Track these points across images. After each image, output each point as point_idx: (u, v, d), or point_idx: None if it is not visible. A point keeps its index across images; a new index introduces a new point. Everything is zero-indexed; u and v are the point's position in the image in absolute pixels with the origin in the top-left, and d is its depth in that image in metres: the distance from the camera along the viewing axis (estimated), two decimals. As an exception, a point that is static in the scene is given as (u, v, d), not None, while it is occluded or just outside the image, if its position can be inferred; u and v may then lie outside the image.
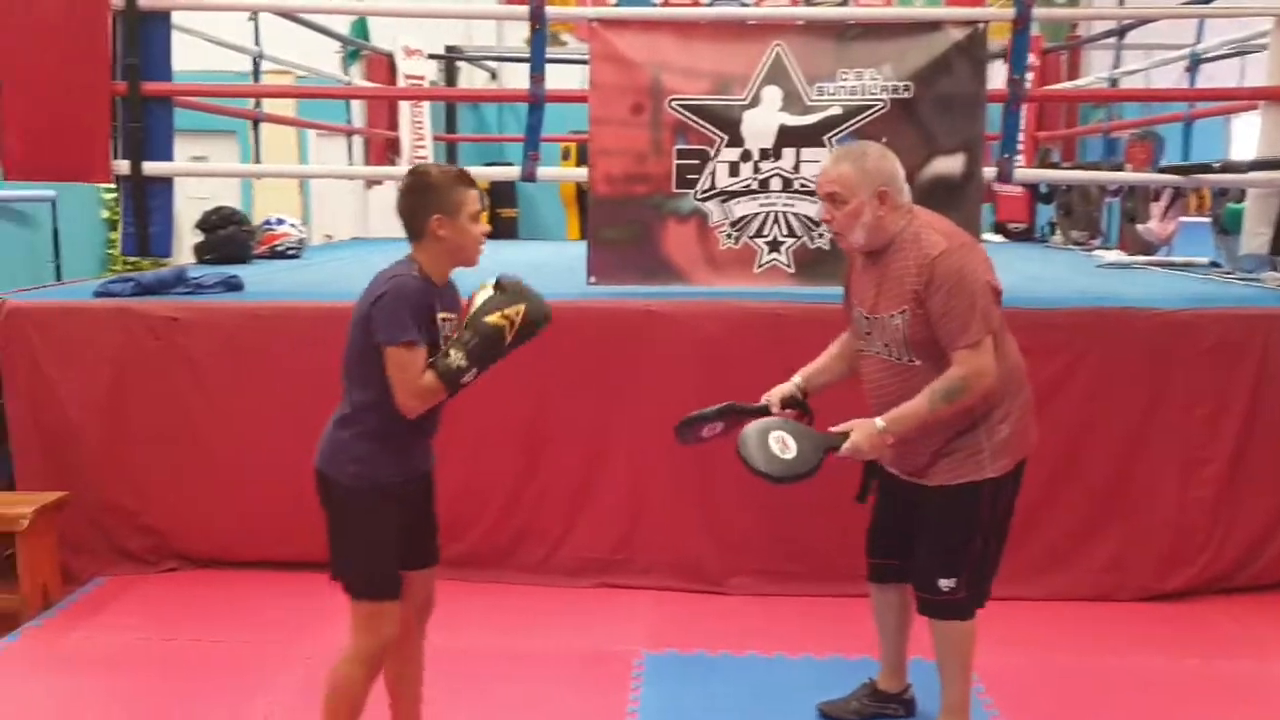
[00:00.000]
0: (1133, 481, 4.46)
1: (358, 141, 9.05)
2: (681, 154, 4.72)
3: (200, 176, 9.80)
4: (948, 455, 3.07)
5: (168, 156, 4.99)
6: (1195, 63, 7.51)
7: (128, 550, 4.70)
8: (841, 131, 4.65)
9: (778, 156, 4.70)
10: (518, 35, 5.12)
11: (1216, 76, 7.96)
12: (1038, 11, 4.94)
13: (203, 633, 4.16)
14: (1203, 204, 7.19)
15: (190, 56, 6.68)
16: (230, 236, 6.70)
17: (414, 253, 2.85)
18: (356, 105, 9.20)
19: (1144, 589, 4.44)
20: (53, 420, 4.64)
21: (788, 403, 3.26)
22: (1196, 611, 4.36)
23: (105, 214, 10.39)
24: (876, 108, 4.64)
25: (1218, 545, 4.46)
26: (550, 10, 4.92)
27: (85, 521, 4.63)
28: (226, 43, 7.10)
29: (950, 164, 4.67)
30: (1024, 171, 7.22)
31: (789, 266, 4.75)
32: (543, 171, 5.02)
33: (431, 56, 10.32)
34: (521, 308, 2.78)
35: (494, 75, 13.12)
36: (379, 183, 9.63)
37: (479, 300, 2.80)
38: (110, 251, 10.44)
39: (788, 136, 4.68)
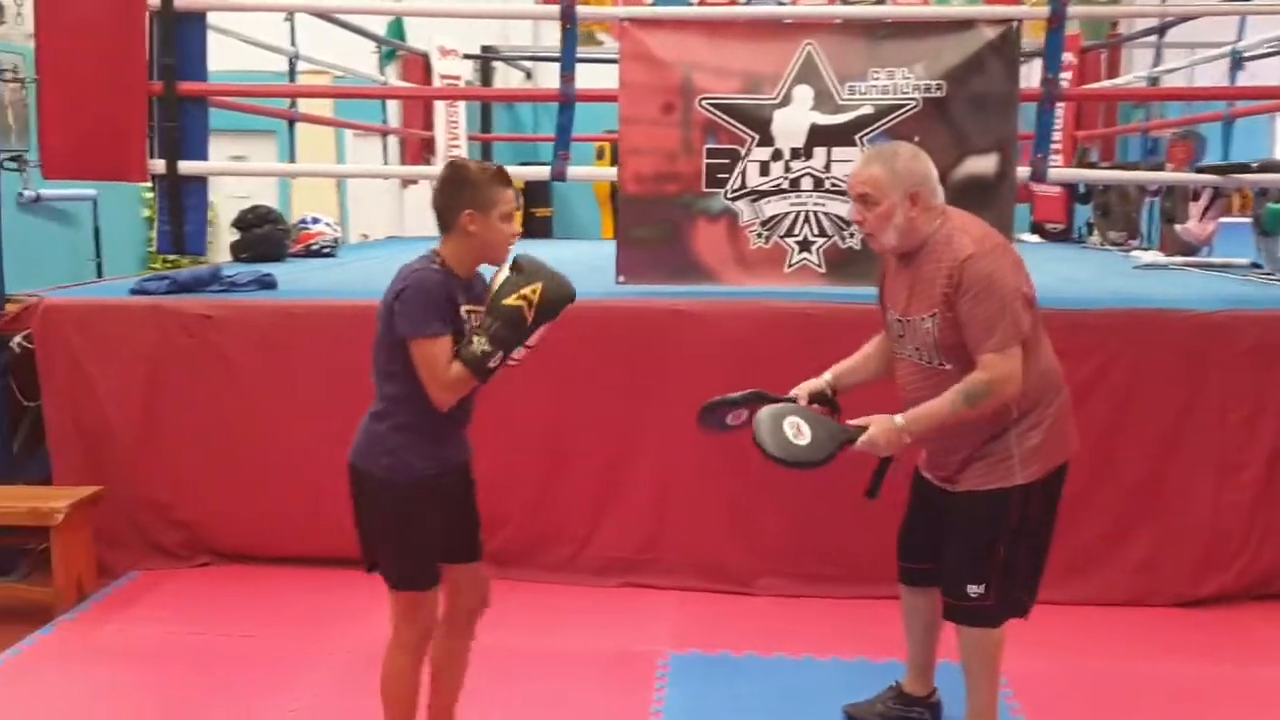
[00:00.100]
0: (1167, 485, 4.40)
1: (393, 141, 9.10)
2: (712, 153, 4.71)
3: (236, 176, 9.89)
4: (978, 460, 3.04)
5: (203, 156, 5.04)
6: (1237, 60, 7.40)
7: (161, 545, 4.76)
8: (873, 131, 4.62)
9: (809, 156, 4.68)
10: (553, 35, 5.14)
11: (1260, 74, 7.84)
12: (1073, 9, 4.89)
13: (234, 627, 4.20)
14: (1245, 204, 7.10)
15: (229, 57, 6.75)
16: (266, 235, 6.76)
17: (440, 245, 2.86)
18: (392, 105, 9.25)
19: (1178, 594, 4.39)
20: (89, 417, 4.71)
21: (816, 398, 3.22)
22: (1231, 617, 4.30)
23: (146, 213, 10.50)
24: (908, 107, 4.61)
25: (1254, 550, 4.39)
26: (581, 10, 4.93)
27: (120, 516, 4.69)
28: (263, 43, 7.17)
29: (983, 164, 4.63)
30: (1058, 171, 7.17)
31: (820, 266, 4.73)
32: (573, 171, 5.03)
33: (466, 56, 10.35)
34: (539, 286, 2.77)
35: (529, 75, 13.14)
36: (414, 182, 9.69)
37: (496, 284, 2.80)
38: (150, 250, 10.55)
39: (819, 136, 4.66)
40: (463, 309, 2.82)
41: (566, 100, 4.87)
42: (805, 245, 4.72)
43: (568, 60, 4.85)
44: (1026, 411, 3.00)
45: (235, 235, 6.94)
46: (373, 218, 11.34)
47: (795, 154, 4.67)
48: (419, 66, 9.36)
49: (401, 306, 2.75)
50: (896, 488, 4.33)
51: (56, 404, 4.70)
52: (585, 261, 5.62)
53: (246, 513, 4.73)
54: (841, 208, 4.66)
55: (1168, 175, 6.35)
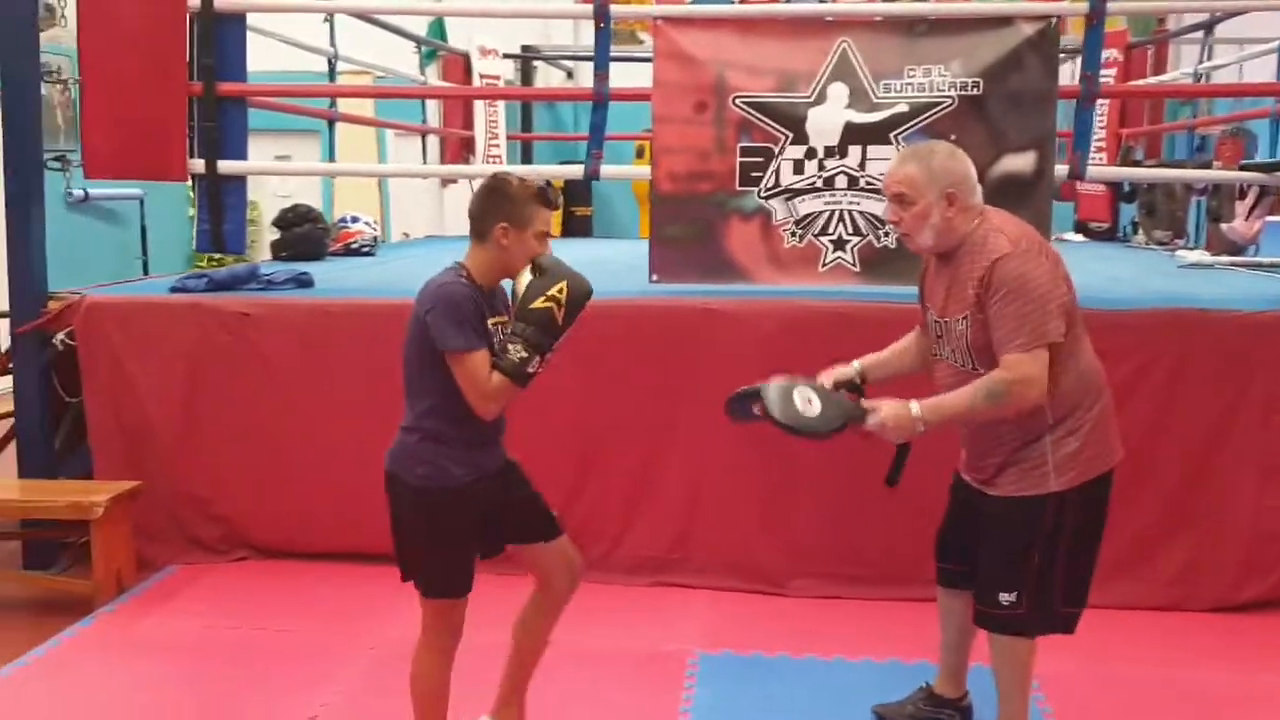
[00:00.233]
0: (1208, 488, 4.33)
1: (433, 141, 9.15)
2: (745, 151, 4.69)
3: (274, 175, 9.98)
4: (1013, 466, 2.99)
5: (242, 155, 5.10)
6: (1288, 56, 7.28)
7: (200, 539, 4.82)
8: (908, 129, 4.58)
9: (843, 154, 4.65)
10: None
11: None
12: (1113, 5, 4.82)
13: (269, 622, 4.25)
14: (1293, 202, 6.97)
15: (272, 57, 6.83)
16: (306, 234, 6.82)
17: (468, 254, 2.88)
18: (432, 105, 9.30)
19: (1217, 599, 4.32)
20: (130, 413, 4.77)
21: (842, 385, 3.18)
22: (1271, 624, 4.22)
23: (191, 212, 10.62)
24: (945, 105, 4.57)
25: (1296, 555, 4.31)
26: (616, 9, 4.93)
27: (160, 511, 4.75)
28: (302, 44, 7.23)
29: (1020, 162, 4.58)
30: (1097, 169, 7.07)
31: (854, 265, 4.70)
32: (607, 169, 5.04)
33: (506, 56, 10.39)
34: (564, 284, 2.78)
35: (570, 74, 13.18)
36: (453, 182, 9.76)
37: (520, 288, 2.81)
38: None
39: (854, 134, 4.63)
40: (489, 321, 2.84)
41: (600, 99, 4.88)
42: (839, 244, 4.70)
43: (602, 59, 4.86)
44: (1063, 417, 2.94)
45: (276, 234, 7.01)
46: (414, 217, 11.43)
47: (829, 152, 4.64)
48: (459, 66, 9.41)
49: (434, 322, 2.77)
50: (933, 489, 4.32)
51: (98, 400, 4.77)
52: (622, 260, 5.64)
53: (283, 508, 4.78)
54: (876, 206, 4.63)
55: (1210, 173, 6.25)
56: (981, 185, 3.04)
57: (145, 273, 8.74)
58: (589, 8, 4.97)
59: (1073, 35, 6.11)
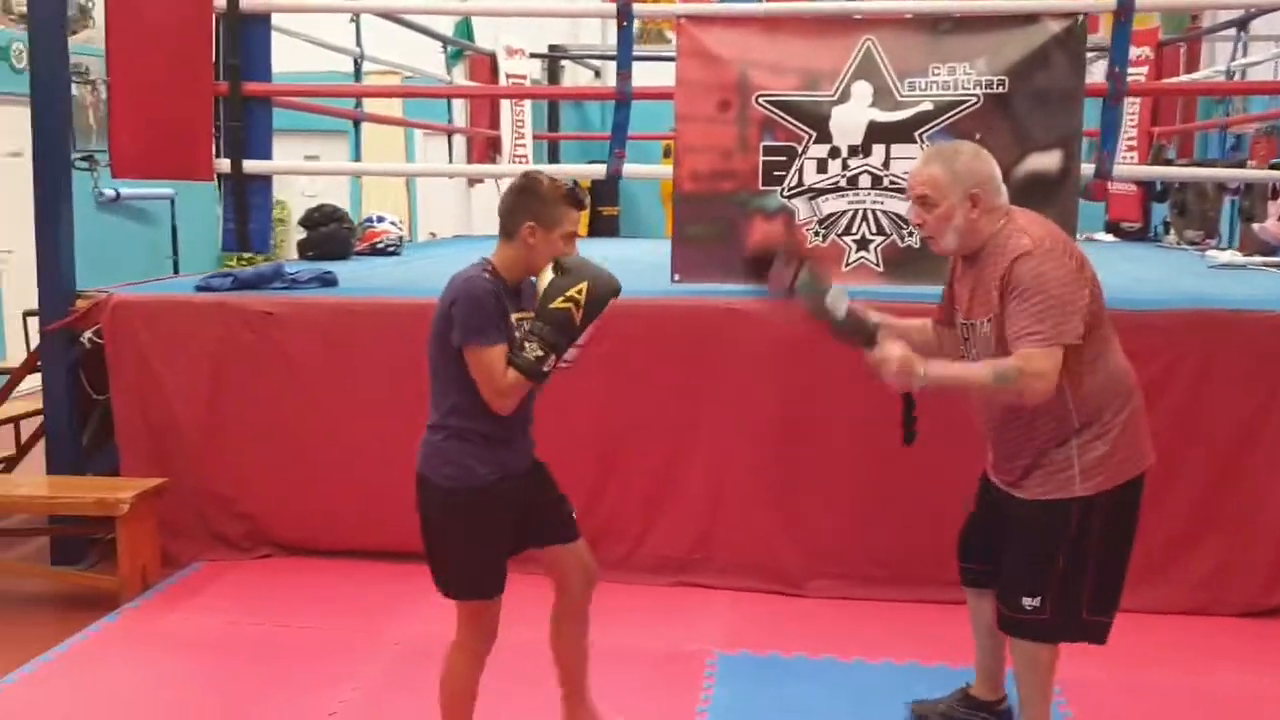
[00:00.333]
0: (1237, 490, 4.27)
1: (459, 140, 9.18)
2: (768, 150, 4.67)
3: (299, 175, 10.04)
4: (1038, 469, 2.95)
5: (267, 155, 5.14)
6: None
7: (224, 536, 4.86)
8: (933, 127, 4.55)
9: (867, 153, 4.62)
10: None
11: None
12: (1141, 1, 4.77)
13: (292, 618, 4.28)
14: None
15: (302, 58, 6.87)
16: (332, 234, 6.85)
17: (495, 251, 2.89)
18: (459, 105, 9.32)
19: (1246, 604, 4.26)
20: (156, 411, 4.81)
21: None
22: (1302, 629, 4.17)
23: (220, 211, 10.72)
24: (969, 103, 4.53)
25: (1328, 558, 4.25)
26: (639, 7, 4.92)
27: (185, 508, 4.79)
28: (328, 44, 7.27)
29: (1046, 160, 4.53)
30: (1127, 168, 7.00)
31: (877, 265, 4.67)
32: (629, 169, 5.03)
33: (533, 56, 10.41)
34: (584, 285, 2.78)
35: (598, 74, 13.19)
36: (480, 181, 9.78)
37: (542, 286, 2.82)
38: (227, 247, 10.78)
39: (877, 133, 4.60)
40: (512, 316, 2.85)
41: (623, 98, 4.87)
42: (863, 244, 4.67)
43: (624, 58, 4.86)
44: (1089, 420, 2.90)
45: (303, 234, 7.05)
46: (441, 217, 11.46)
47: (853, 151, 4.61)
48: (486, 66, 9.43)
49: (456, 316, 2.78)
50: (953, 491, 4.28)
51: (124, 398, 4.82)
52: (646, 260, 5.63)
53: (307, 506, 4.80)
54: (900, 206, 4.59)
55: (1241, 172, 6.17)
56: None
57: (176, 272, 8.81)
58: (609, 6, 4.96)
59: (1104, 35, 6.05)
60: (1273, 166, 5.76)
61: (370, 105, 8.04)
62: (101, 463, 4.94)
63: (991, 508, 3.18)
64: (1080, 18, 4.54)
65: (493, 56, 9.31)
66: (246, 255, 7.87)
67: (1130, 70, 8.06)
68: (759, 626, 4.19)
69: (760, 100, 4.65)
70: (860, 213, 4.66)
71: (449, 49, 9.05)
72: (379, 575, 4.60)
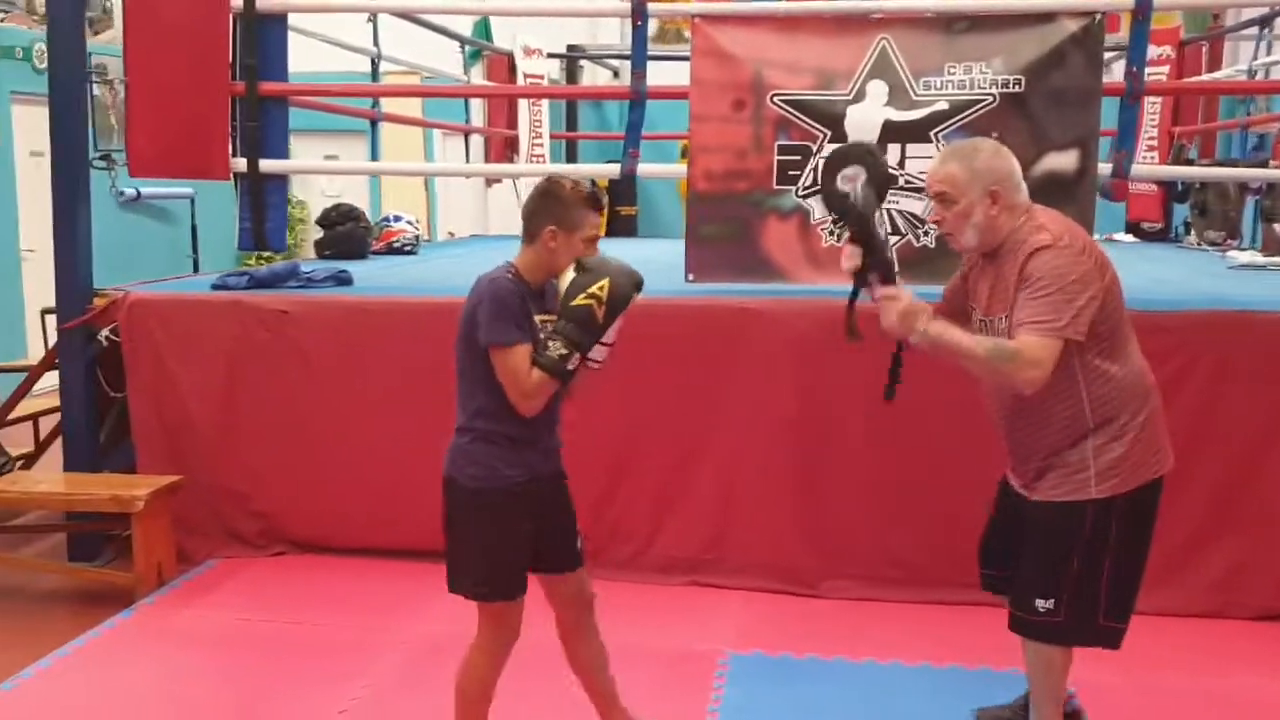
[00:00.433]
0: (1253, 492, 4.24)
1: (476, 140, 9.19)
2: (783, 150, 4.66)
3: (315, 174, 10.07)
4: (1053, 470, 2.94)
5: (283, 154, 5.16)
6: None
7: (239, 534, 4.88)
8: (948, 127, 4.53)
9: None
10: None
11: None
12: (1159, 0, 4.73)
13: (305, 615, 4.29)
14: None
15: (323, 58, 6.90)
16: (349, 233, 6.88)
17: (518, 254, 2.90)
18: (477, 105, 9.33)
19: (1262, 607, 4.23)
20: (172, 408, 4.84)
21: None
22: (1319, 632, 4.13)
23: (240, 210, 10.78)
24: (985, 102, 4.51)
25: (1346, 562, 4.21)
26: (657, 7, 4.92)
27: (201, 505, 4.82)
28: (345, 44, 7.29)
29: (1063, 160, 4.51)
30: (1145, 168, 6.94)
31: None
32: (643, 168, 5.03)
33: (551, 56, 10.41)
34: (605, 282, 2.79)
35: (616, 74, 13.19)
36: (498, 181, 9.79)
37: (564, 286, 2.83)
38: (246, 245, 10.84)
39: (893, 132, 4.58)
40: (536, 318, 2.86)
41: (637, 97, 4.87)
42: (878, 243, 4.64)
43: (639, 58, 4.86)
44: (1105, 420, 2.88)
45: (320, 233, 7.09)
46: (460, 216, 11.49)
47: (868, 151, 4.59)
48: (503, 66, 9.44)
49: (481, 317, 2.80)
50: (966, 493, 4.27)
51: (141, 396, 4.85)
52: (663, 260, 5.62)
53: (321, 504, 4.82)
54: (916, 205, 4.58)
55: (1262, 172, 6.12)
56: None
57: (195, 271, 8.87)
58: (623, 5, 4.96)
59: (1125, 35, 6.00)
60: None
61: (392, 106, 8.06)
62: (118, 460, 4.97)
63: (1011, 512, 3.15)
64: (1098, 16, 4.51)
65: (510, 56, 9.32)
66: (266, 254, 7.93)
67: (1152, 69, 8.05)
68: (771, 627, 4.18)
69: (775, 99, 4.64)
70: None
71: (467, 49, 9.06)
72: (392, 574, 4.62)
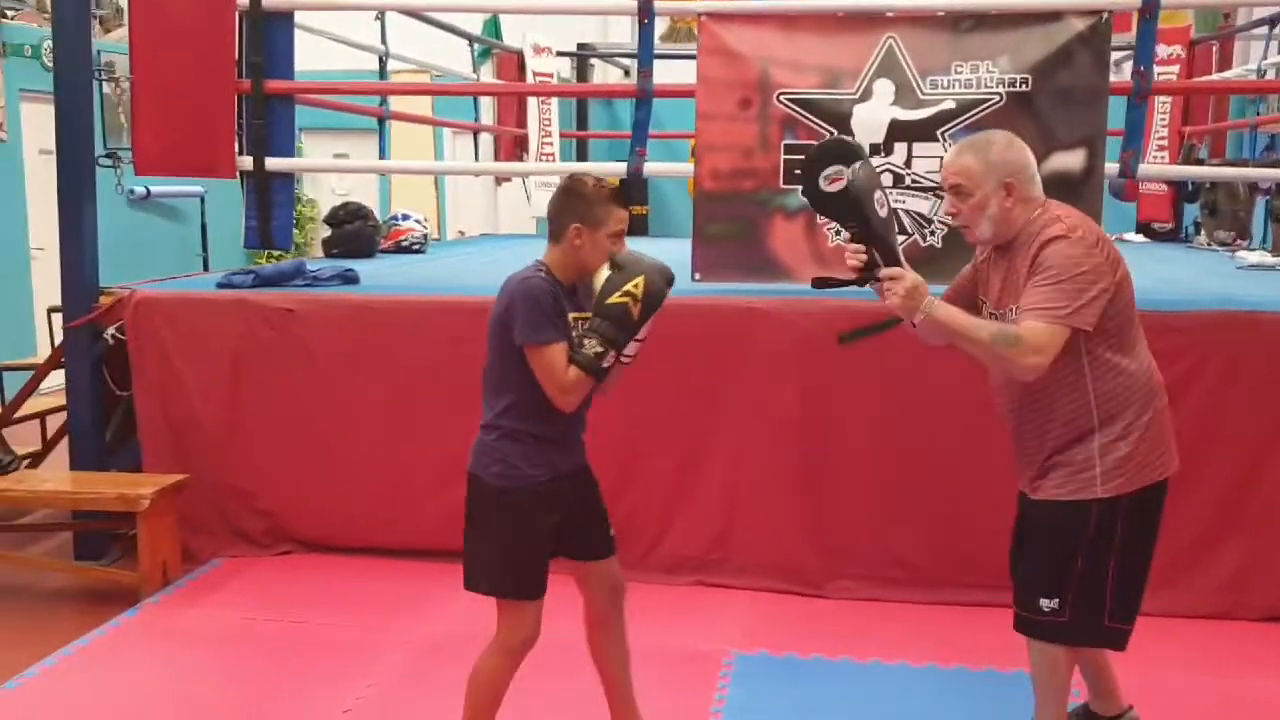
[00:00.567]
0: (1261, 493, 4.22)
1: (485, 139, 9.19)
2: (790, 149, 4.64)
3: (321, 172, 10.07)
4: (1056, 469, 2.91)
5: (289, 152, 5.17)
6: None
7: (245, 532, 4.88)
8: (955, 126, 4.52)
9: (889, 151, 4.59)
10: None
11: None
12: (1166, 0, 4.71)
13: (310, 615, 4.30)
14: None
15: (334, 57, 6.91)
16: (357, 231, 6.88)
17: (546, 253, 2.91)
18: (486, 103, 9.33)
19: (1269, 608, 4.21)
20: (177, 407, 4.84)
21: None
22: (1327, 634, 4.10)
23: (251, 209, 10.81)
24: (992, 101, 4.50)
25: (1354, 564, 4.18)
26: (665, 4, 4.91)
27: (206, 504, 4.82)
28: (352, 42, 7.29)
29: (1070, 159, 4.49)
30: (1154, 168, 6.91)
31: (899, 264, 4.63)
32: (651, 166, 5.02)
33: (561, 54, 10.41)
34: (640, 279, 2.80)
35: (627, 72, 13.16)
36: (507, 180, 9.79)
37: (599, 284, 2.84)
38: (256, 243, 10.87)
39: (899, 131, 4.57)
40: (570, 316, 2.87)
41: (644, 95, 4.87)
42: (884, 243, 4.63)
43: (645, 56, 4.86)
44: (1110, 418, 2.85)
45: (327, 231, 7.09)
46: (470, 215, 11.49)
47: (875, 150, 4.57)
48: (513, 65, 9.44)
49: (515, 316, 2.80)
50: (974, 494, 4.26)
51: (147, 394, 4.85)
52: (672, 259, 5.58)
53: (327, 503, 4.82)
54: (922, 205, 4.57)
55: (1268, 172, 6.09)
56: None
57: (205, 269, 8.88)
58: (630, 3, 4.94)
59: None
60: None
61: (403, 105, 8.06)
62: (124, 459, 4.98)
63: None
64: (1105, 15, 4.49)
65: (520, 55, 9.32)
66: (276, 252, 7.95)
67: (1162, 69, 8.02)
68: (777, 627, 4.17)
69: (781, 98, 4.63)
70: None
71: (476, 48, 9.06)
72: (398, 573, 4.62)
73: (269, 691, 3.70)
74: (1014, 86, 4.48)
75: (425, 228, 7.52)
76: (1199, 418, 4.14)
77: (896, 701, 3.57)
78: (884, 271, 2.89)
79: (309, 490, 4.82)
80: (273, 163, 5.05)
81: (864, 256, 2.93)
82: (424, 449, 4.69)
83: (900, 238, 4.58)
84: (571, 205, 2.86)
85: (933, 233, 4.56)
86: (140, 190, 8.92)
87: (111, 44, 8.73)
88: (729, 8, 5.02)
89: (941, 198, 4.40)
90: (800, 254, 4.69)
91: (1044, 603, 2.94)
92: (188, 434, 4.84)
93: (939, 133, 4.54)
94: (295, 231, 6.30)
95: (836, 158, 2.94)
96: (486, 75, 9.41)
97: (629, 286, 2.78)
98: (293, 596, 4.48)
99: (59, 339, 5.18)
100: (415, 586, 4.48)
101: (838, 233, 4.65)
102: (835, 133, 4.58)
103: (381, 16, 7.37)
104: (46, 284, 7.93)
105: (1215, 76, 8.64)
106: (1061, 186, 4.36)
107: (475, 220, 11.45)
